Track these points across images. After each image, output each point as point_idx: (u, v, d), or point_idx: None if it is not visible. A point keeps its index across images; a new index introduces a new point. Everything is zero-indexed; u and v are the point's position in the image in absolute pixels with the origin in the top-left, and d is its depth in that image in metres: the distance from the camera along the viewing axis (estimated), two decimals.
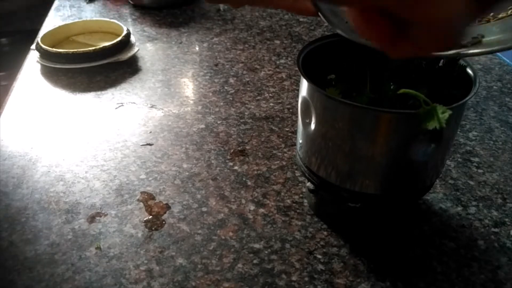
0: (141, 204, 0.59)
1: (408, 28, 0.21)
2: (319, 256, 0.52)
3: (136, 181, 0.63)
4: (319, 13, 0.37)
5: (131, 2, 1.21)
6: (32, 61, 0.92)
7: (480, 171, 0.66)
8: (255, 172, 0.65)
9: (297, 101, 0.53)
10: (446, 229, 0.56)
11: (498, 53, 0.96)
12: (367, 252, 0.53)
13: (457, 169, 0.66)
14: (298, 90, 0.52)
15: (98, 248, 0.53)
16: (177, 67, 0.92)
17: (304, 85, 0.49)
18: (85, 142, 0.71)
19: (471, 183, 0.63)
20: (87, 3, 1.23)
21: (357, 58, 0.53)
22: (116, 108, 0.79)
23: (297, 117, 0.54)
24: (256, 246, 0.53)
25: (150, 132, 0.73)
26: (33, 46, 0.93)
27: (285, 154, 0.68)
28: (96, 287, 0.48)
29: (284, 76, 0.88)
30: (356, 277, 0.50)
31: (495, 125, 0.75)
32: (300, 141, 0.53)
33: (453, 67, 0.50)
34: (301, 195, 0.61)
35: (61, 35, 0.99)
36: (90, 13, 1.18)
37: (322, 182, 0.52)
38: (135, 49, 0.94)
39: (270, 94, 0.82)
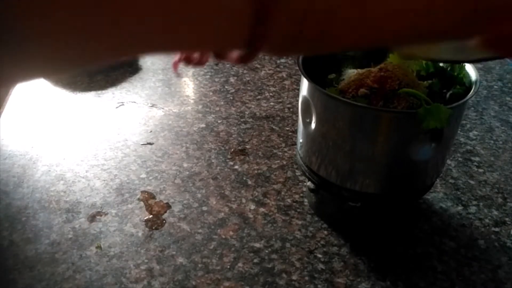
0: (142, 203, 0.59)
1: None
2: (320, 255, 0.52)
3: (137, 180, 0.63)
4: None
5: None
6: None
7: (480, 170, 0.66)
8: (256, 171, 0.65)
9: (297, 101, 0.53)
10: (446, 229, 0.56)
11: None
12: (367, 252, 0.53)
13: (457, 169, 0.66)
14: (298, 89, 0.52)
15: (99, 247, 0.53)
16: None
17: (305, 84, 0.49)
18: (86, 141, 0.71)
19: (472, 182, 0.63)
20: None
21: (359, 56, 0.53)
22: (116, 107, 0.79)
23: (297, 116, 0.54)
24: (257, 245, 0.53)
25: (151, 131, 0.73)
26: None
27: (286, 154, 0.68)
28: (96, 286, 0.49)
29: (284, 75, 0.88)
30: (356, 276, 0.50)
31: (495, 125, 0.75)
32: (301, 141, 0.53)
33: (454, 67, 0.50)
34: (301, 195, 0.61)
35: None
36: None
37: (323, 182, 0.52)
38: None
39: (271, 94, 0.82)
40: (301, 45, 0.19)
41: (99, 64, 0.19)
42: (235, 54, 0.20)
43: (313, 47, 0.20)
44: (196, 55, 0.24)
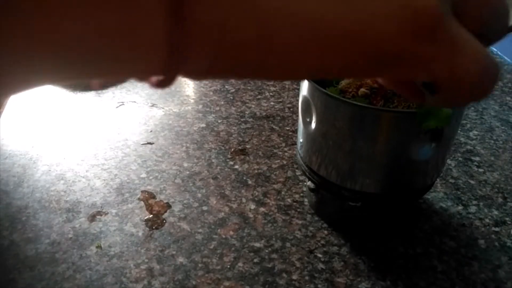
0: (142, 203, 0.59)
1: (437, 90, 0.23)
2: (320, 255, 0.52)
3: (137, 180, 0.63)
4: None
5: None
6: None
7: (480, 170, 0.66)
8: (256, 171, 0.65)
9: (297, 100, 0.53)
10: (446, 228, 0.56)
11: (498, 52, 0.96)
12: (367, 251, 0.53)
13: (457, 168, 0.66)
14: (298, 89, 0.52)
15: (99, 247, 0.53)
16: None
17: (305, 84, 0.49)
18: (86, 141, 0.71)
19: (472, 182, 0.63)
20: None
21: None
22: (116, 107, 0.79)
23: (297, 116, 0.54)
24: (257, 245, 0.53)
25: (151, 131, 0.73)
26: None
27: (286, 153, 0.68)
28: (96, 286, 0.49)
29: None
30: (356, 276, 0.50)
31: (495, 124, 0.75)
32: (301, 140, 0.53)
33: None
34: (301, 194, 0.61)
35: None
36: None
37: (323, 181, 0.52)
38: None
39: (271, 93, 0.82)
40: (220, 67, 0.19)
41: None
42: (154, 78, 0.19)
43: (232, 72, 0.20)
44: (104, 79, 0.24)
